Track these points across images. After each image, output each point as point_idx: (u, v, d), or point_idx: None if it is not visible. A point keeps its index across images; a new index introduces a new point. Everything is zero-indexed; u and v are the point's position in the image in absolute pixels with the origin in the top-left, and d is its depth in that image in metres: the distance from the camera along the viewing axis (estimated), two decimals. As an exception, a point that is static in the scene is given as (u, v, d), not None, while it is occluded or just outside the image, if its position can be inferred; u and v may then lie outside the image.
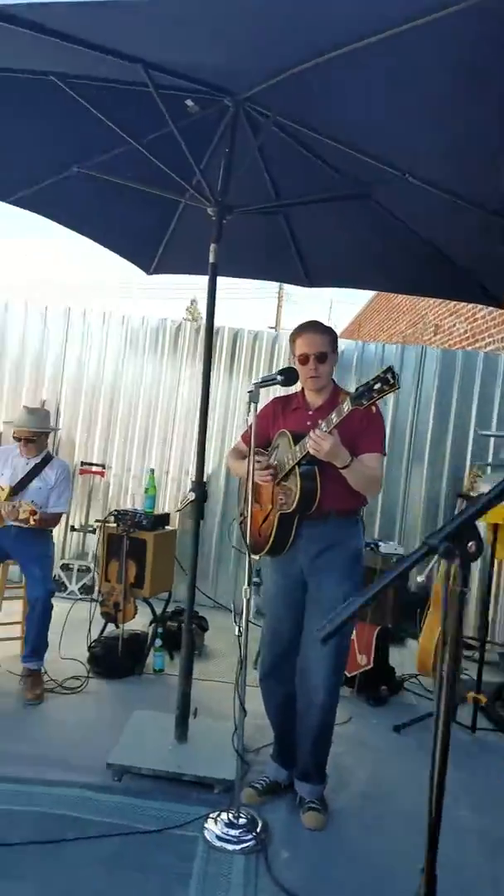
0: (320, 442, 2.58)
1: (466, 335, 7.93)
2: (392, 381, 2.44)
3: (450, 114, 2.59)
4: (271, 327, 6.18)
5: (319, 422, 2.66)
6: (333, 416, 2.60)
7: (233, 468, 3.29)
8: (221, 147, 3.29)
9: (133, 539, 4.47)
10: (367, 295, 14.09)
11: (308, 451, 2.66)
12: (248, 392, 2.80)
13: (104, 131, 3.13)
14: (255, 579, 5.00)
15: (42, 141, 3.35)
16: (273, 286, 25.45)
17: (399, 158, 3.01)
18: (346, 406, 2.53)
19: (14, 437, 4.13)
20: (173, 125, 2.97)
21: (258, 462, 2.88)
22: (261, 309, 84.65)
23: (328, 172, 3.35)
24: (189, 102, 3.00)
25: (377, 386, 2.45)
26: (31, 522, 3.74)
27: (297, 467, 2.78)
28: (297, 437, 2.78)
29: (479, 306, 7.17)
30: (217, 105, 3.06)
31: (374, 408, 2.59)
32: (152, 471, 5.07)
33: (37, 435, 4.08)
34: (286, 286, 24.79)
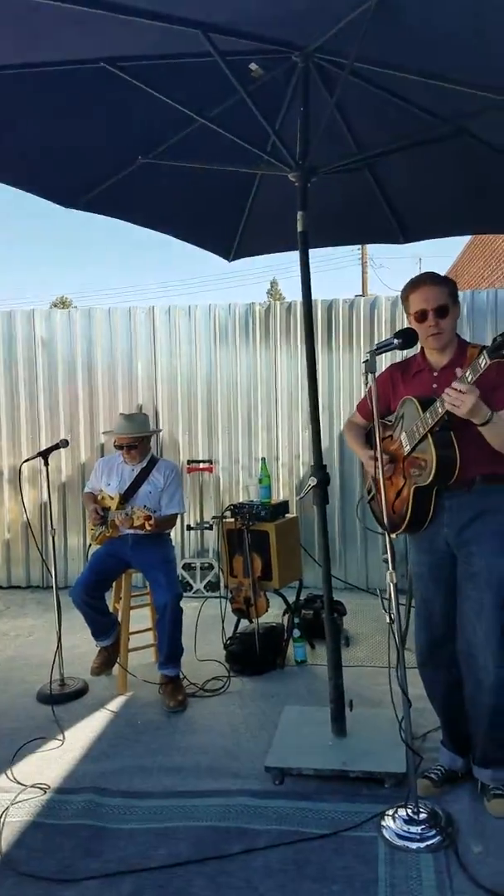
0: (462, 397, 2.26)
1: None
2: None
3: None
4: (358, 295, 5.91)
5: (457, 375, 2.33)
6: (468, 371, 2.27)
7: (353, 447, 3.04)
8: (293, 110, 3.06)
9: (254, 531, 4.28)
10: (458, 246, 13.52)
11: (441, 416, 2.37)
12: (364, 362, 2.54)
13: (165, 114, 2.96)
14: (384, 557, 4.74)
15: (100, 136, 3.19)
16: (354, 254, 24.84)
17: (496, 79, 2.63)
18: (483, 360, 2.19)
19: (115, 446, 4.03)
20: (243, 91, 2.74)
21: (373, 458, 2.62)
22: (341, 278, 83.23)
23: (415, 114, 3.04)
24: (253, 66, 2.77)
25: None
26: (147, 528, 3.62)
27: (429, 435, 2.48)
28: (426, 403, 2.49)
29: None
30: (284, 64, 2.83)
31: None
32: (263, 459, 4.87)
33: (138, 440, 3.96)
34: (369, 250, 24.23)
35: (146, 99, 2.82)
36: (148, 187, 3.55)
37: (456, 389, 2.27)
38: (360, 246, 22.49)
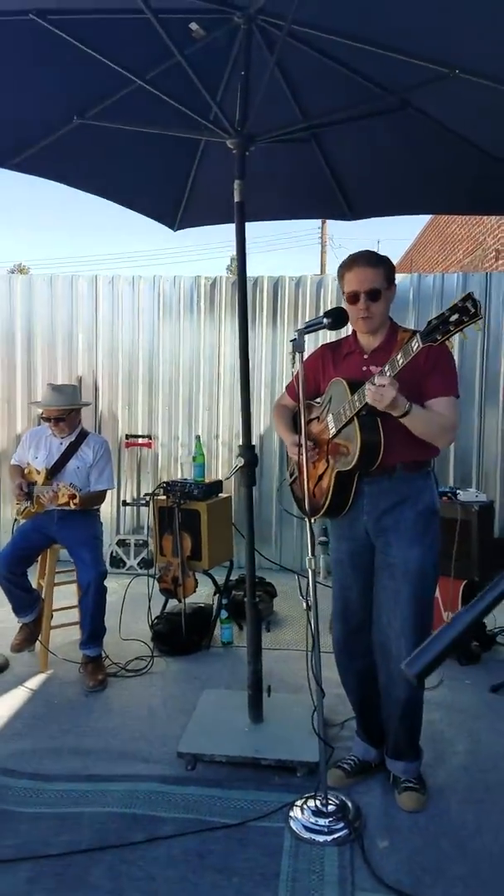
0: (382, 391, 2.20)
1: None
2: (473, 311, 2.01)
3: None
4: (316, 275, 5.79)
5: (384, 367, 2.25)
6: (399, 357, 2.20)
7: (279, 430, 2.94)
8: (236, 73, 2.90)
9: (185, 510, 4.19)
10: (416, 229, 13.52)
11: (367, 402, 2.29)
12: (291, 340, 2.45)
13: (101, 73, 2.78)
14: (321, 539, 4.69)
15: (33, 95, 2.98)
16: (315, 233, 24.65)
17: (442, 52, 2.53)
18: (416, 344, 2.12)
19: (42, 418, 3.89)
20: (179, 54, 2.59)
21: (297, 444, 2.55)
22: (303, 257, 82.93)
23: (360, 84, 2.91)
24: (193, 26, 2.63)
25: (454, 317, 2.03)
26: (72, 506, 3.50)
27: (356, 419, 2.40)
28: (354, 386, 2.40)
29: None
30: (226, 24, 2.68)
31: (447, 343, 2.13)
32: (198, 437, 4.76)
33: (65, 413, 3.81)
34: (329, 230, 24.10)
35: (81, 56, 2.65)
36: (86, 150, 3.36)
37: (376, 384, 2.21)
38: (319, 225, 22.38)
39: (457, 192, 3.80)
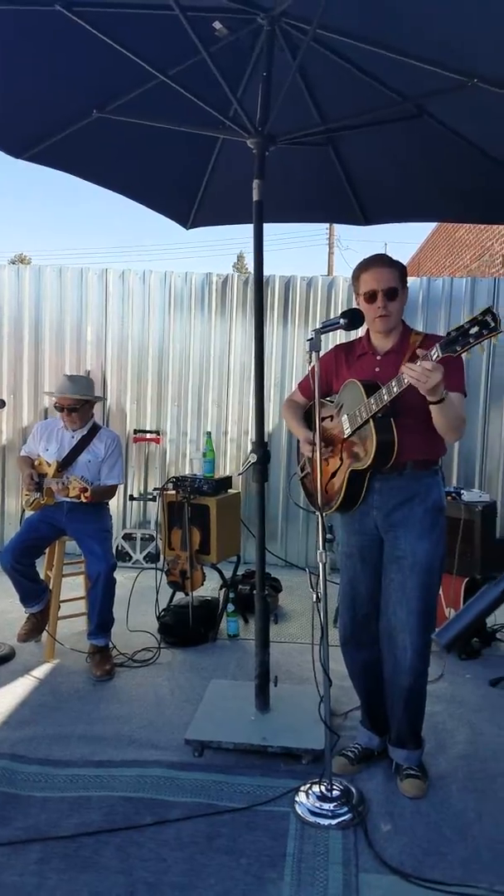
0: (428, 373, 2.20)
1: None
2: (494, 325, 2.07)
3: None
4: (323, 275, 5.85)
5: (419, 355, 2.27)
6: (425, 357, 2.24)
7: (290, 426, 2.99)
8: (257, 74, 2.95)
9: (195, 505, 4.25)
10: (423, 233, 13.57)
11: (386, 403, 2.37)
12: (308, 340, 2.49)
13: (123, 68, 2.84)
14: (327, 536, 4.75)
15: (54, 86, 3.04)
16: (322, 234, 24.66)
17: (462, 60, 2.59)
18: (436, 353, 2.18)
19: (56, 407, 3.92)
20: (204, 51, 2.64)
21: (311, 442, 2.61)
22: (311, 258, 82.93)
23: (379, 90, 2.97)
24: (217, 25, 2.68)
25: (474, 330, 2.10)
26: (83, 499, 3.56)
27: (371, 420, 2.47)
28: (370, 388, 2.47)
29: None
30: (249, 25, 2.73)
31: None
32: (209, 434, 4.82)
33: (79, 403, 3.86)
34: (336, 231, 24.10)
35: (104, 50, 2.70)
36: (103, 144, 3.41)
37: (423, 367, 2.21)
38: (327, 226, 22.41)
39: (469, 200, 3.84)
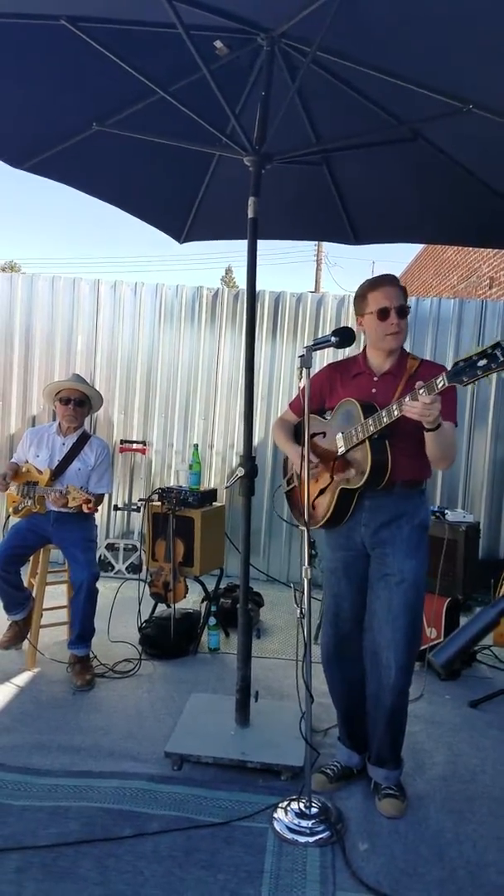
0: (430, 408, 2.24)
1: (526, 287, 7.48)
2: (502, 359, 2.09)
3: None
4: (311, 291, 5.92)
5: (417, 388, 2.29)
6: (424, 391, 2.26)
7: (279, 444, 3.00)
8: (255, 93, 3.01)
9: (179, 517, 4.26)
10: (411, 253, 13.70)
11: (385, 426, 2.42)
12: (300, 357, 2.52)
13: (124, 83, 2.89)
14: (312, 552, 4.77)
15: (55, 98, 3.07)
16: (309, 251, 24.85)
17: (459, 86, 2.66)
18: (442, 381, 2.21)
19: (62, 400, 3.88)
20: (205, 68, 2.68)
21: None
22: (298, 274, 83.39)
23: (376, 112, 3.03)
24: (218, 43, 2.72)
25: (482, 363, 2.12)
26: (86, 510, 3.56)
27: (367, 441, 2.51)
28: (368, 409, 2.51)
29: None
30: (249, 45, 2.78)
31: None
32: (196, 446, 4.84)
33: (84, 398, 3.87)
34: (325, 249, 24.29)
35: (106, 64, 2.74)
36: (100, 156, 3.45)
37: (423, 402, 2.24)
38: (316, 243, 22.57)
39: (460, 224, 3.91)
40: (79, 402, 3.87)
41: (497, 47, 2.36)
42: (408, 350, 2.72)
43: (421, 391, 2.26)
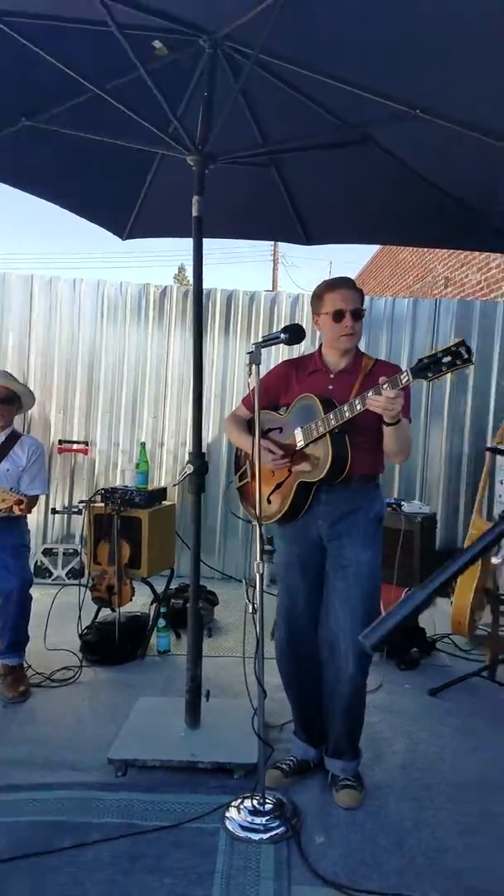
0: (393, 403, 2.26)
1: (480, 286, 7.51)
2: (467, 357, 2.13)
3: (471, 31, 2.14)
4: (268, 290, 5.88)
5: (381, 383, 2.29)
6: (387, 385, 2.26)
7: (233, 438, 2.91)
8: (199, 92, 2.89)
9: (125, 518, 4.07)
10: (368, 253, 13.74)
11: (345, 420, 2.41)
12: (248, 353, 2.48)
13: (55, 78, 2.71)
14: (266, 547, 4.64)
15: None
16: (266, 250, 24.87)
17: (406, 91, 2.58)
18: (406, 377, 2.23)
19: None
20: (143, 70, 2.57)
21: (269, 450, 2.59)
22: (258, 273, 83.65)
23: (322, 115, 2.95)
24: (157, 44, 2.61)
25: (446, 359, 2.15)
26: (17, 512, 3.32)
27: (328, 435, 2.47)
28: (327, 404, 2.50)
29: (493, 255, 6.84)
30: (191, 46, 2.66)
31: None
32: (143, 444, 4.68)
33: (14, 396, 3.65)
34: (281, 248, 24.39)
35: (34, 59, 2.59)
36: (35, 152, 3.28)
37: (387, 396, 2.25)
38: (272, 243, 22.65)
39: (411, 225, 3.85)
40: (7, 399, 3.66)
41: (443, 52, 2.29)
42: (363, 350, 2.73)
43: (385, 386, 2.25)
